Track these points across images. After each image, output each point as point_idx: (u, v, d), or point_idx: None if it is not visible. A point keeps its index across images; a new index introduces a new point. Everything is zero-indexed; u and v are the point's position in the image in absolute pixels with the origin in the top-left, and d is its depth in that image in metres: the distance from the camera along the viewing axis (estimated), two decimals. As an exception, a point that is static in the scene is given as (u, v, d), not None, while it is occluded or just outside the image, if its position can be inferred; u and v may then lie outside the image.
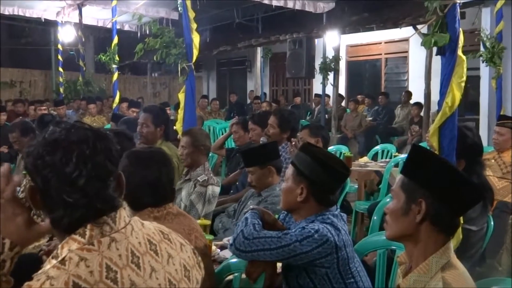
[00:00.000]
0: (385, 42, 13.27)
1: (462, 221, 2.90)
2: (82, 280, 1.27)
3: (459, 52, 3.14)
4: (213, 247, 2.93)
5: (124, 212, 1.44)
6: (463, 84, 3.14)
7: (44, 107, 10.29)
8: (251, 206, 2.63)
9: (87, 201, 1.34)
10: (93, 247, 1.33)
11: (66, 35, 12.54)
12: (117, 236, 1.38)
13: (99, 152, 1.37)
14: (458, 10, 3.14)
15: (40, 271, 1.31)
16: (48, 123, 5.23)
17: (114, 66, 9.06)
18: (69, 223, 1.35)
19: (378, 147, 7.52)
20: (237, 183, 5.28)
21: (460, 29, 3.15)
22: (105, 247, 1.34)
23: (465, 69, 3.15)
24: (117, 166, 1.43)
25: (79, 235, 1.34)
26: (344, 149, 6.81)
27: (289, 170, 2.53)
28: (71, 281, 1.27)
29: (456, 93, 3.10)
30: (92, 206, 1.35)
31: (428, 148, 3.67)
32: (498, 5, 6.17)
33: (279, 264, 2.45)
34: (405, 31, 10.06)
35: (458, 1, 3.10)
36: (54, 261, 1.31)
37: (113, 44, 8.94)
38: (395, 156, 6.40)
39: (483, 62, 6.55)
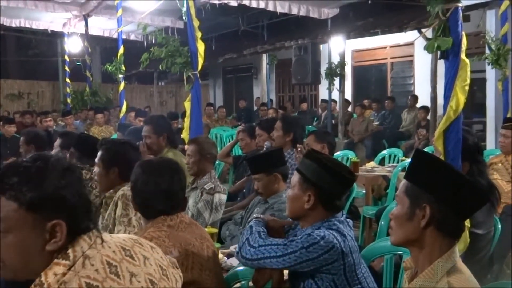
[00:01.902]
0: (391, 47, 13.27)
1: (469, 225, 2.90)
2: None
3: (463, 56, 3.14)
4: (220, 255, 2.94)
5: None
6: (467, 88, 3.13)
7: (49, 119, 10.32)
8: (254, 215, 2.63)
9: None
10: (68, 271, 1.34)
11: (73, 46, 12.68)
12: (89, 252, 1.38)
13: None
14: (461, 14, 3.14)
15: None
16: (42, 137, 5.24)
17: (120, 75, 9.09)
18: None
19: (385, 152, 7.47)
20: (244, 190, 5.28)
21: (463, 32, 3.15)
22: (79, 267, 1.35)
23: (468, 73, 3.15)
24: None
25: (62, 258, 1.35)
26: (351, 155, 6.80)
27: (295, 177, 2.50)
28: None
29: (460, 97, 3.10)
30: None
31: (433, 152, 3.67)
32: (503, 7, 6.17)
33: (285, 272, 2.45)
34: (410, 35, 10.06)
35: (460, 5, 3.10)
36: None
37: (119, 54, 8.99)
38: (402, 161, 6.38)
39: (488, 64, 6.53)
